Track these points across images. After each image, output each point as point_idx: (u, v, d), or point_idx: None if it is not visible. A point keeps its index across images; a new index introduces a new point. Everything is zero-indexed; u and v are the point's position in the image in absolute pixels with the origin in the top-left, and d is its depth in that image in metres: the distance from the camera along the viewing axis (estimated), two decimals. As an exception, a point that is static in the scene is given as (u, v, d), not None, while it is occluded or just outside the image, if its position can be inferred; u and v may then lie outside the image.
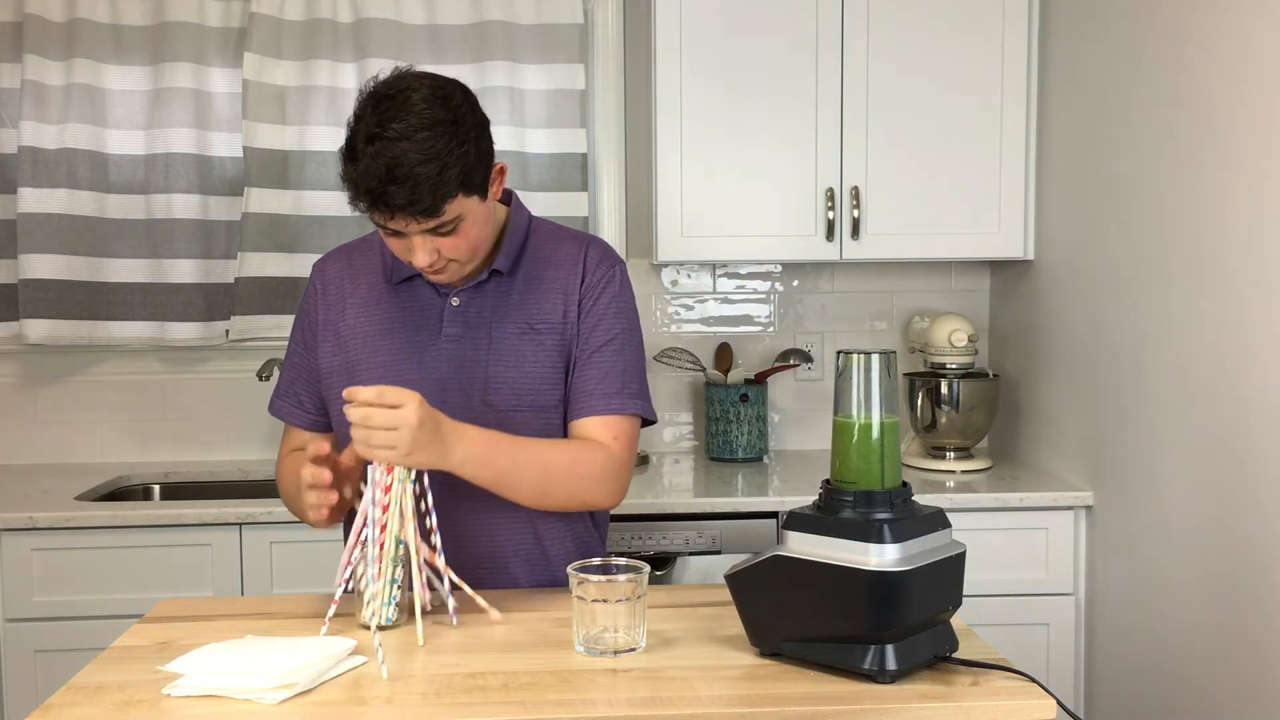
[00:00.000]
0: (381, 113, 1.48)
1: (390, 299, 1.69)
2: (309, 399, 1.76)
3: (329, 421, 1.75)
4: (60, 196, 2.74)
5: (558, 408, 1.68)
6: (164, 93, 2.79)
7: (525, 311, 1.67)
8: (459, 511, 1.63)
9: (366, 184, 1.47)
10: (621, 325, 1.70)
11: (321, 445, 1.52)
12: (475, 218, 1.56)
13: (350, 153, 1.49)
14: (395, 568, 1.47)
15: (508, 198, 1.74)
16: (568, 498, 1.62)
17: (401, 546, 1.47)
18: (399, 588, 1.47)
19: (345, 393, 1.45)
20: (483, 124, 1.55)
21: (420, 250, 1.54)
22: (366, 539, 1.46)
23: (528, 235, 1.71)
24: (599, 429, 1.65)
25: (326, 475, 1.51)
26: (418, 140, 1.45)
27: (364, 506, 1.48)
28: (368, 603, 1.46)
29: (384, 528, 1.46)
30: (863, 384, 1.31)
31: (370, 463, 1.50)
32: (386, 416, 1.43)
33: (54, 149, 2.74)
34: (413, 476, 1.49)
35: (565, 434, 1.68)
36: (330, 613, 1.45)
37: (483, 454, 1.52)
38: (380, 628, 1.47)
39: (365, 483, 1.50)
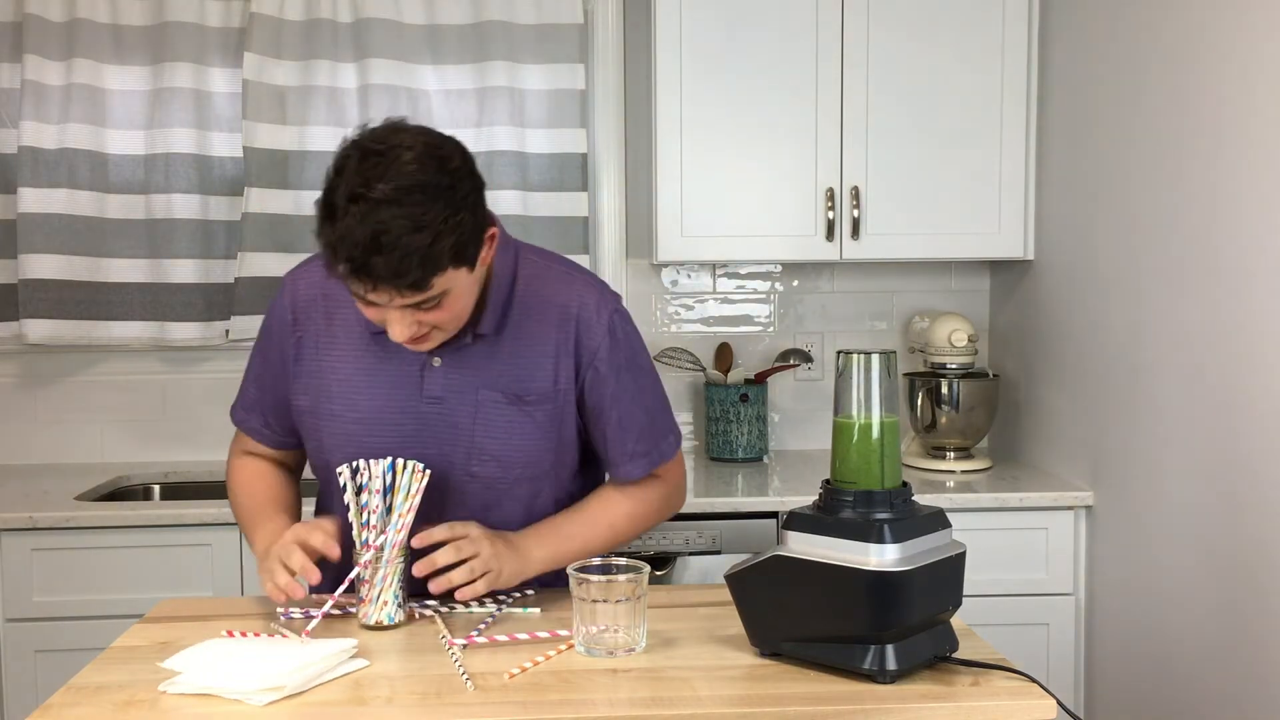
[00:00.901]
0: (367, 170, 1.32)
1: (367, 343, 1.57)
2: (276, 421, 1.68)
3: (295, 440, 1.69)
4: (60, 196, 2.74)
5: (548, 475, 1.61)
6: (164, 93, 2.78)
7: (514, 379, 1.55)
8: (450, 515, 1.62)
9: (347, 250, 1.31)
10: (633, 374, 1.61)
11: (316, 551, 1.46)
12: (462, 290, 1.43)
13: (328, 210, 1.33)
14: (400, 568, 1.47)
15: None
16: (640, 534, 1.69)
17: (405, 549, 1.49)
18: (401, 588, 1.48)
19: (417, 540, 1.47)
20: (480, 189, 1.42)
21: (398, 324, 1.41)
22: (383, 543, 1.46)
23: (513, 285, 1.57)
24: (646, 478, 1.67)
25: (314, 576, 1.44)
26: (408, 205, 1.31)
27: (365, 515, 1.49)
28: (374, 603, 1.47)
29: (401, 530, 1.48)
30: (863, 384, 1.32)
31: (359, 467, 1.50)
32: (456, 550, 1.46)
33: (54, 149, 2.74)
34: (424, 482, 1.49)
35: (559, 494, 1.65)
36: (325, 607, 1.45)
37: (556, 548, 1.57)
38: (385, 627, 1.47)
39: (351, 493, 1.50)
